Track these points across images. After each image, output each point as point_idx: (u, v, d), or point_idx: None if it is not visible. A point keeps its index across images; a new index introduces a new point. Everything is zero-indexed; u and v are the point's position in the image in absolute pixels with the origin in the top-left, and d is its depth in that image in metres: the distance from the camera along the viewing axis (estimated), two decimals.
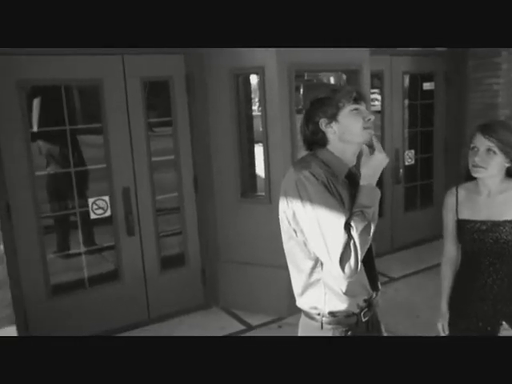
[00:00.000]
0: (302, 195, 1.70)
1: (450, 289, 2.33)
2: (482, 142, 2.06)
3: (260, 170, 4.31)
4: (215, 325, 4.17)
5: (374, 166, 1.77)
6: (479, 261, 2.17)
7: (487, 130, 2.06)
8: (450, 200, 2.27)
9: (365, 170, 1.77)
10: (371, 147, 1.79)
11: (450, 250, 2.34)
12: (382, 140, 5.62)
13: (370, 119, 1.79)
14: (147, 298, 4.24)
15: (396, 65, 5.56)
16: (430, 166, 6.13)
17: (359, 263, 1.64)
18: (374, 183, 1.78)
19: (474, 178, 2.17)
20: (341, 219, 1.66)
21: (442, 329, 2.37)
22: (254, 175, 4.63)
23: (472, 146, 2.10)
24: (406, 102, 5.88)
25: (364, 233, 1.65)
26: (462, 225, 2.21)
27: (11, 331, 3.29)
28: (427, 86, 5.98)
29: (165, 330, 4.09)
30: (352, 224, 1.65)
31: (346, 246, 1.63)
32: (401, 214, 5.94)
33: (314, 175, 1.71)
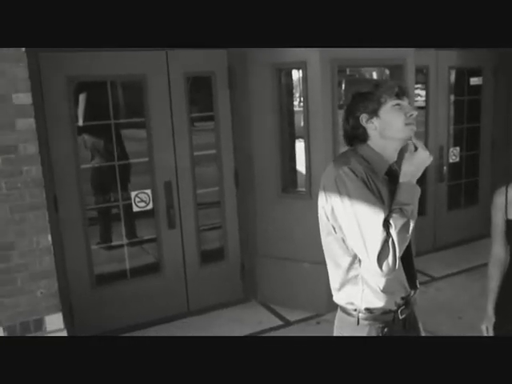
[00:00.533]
0: (341, 191, 1.69)
1: (497, 291, 2.27)
2: None
3: (301, 165, 4.29)
4: (253, 319, 4.20)
5: (417, 163, 1.74)
6: None
7: None
8: (499, 200, 2.22)
9: (406, 167, 1.74)
10: (415, 146, 1.76)
11: (499, 251, 2.28)
12: (425, 136, 5.50)
13: (412, 115, 1.76)
14: (187, 291, 4.31)
15: (442, 59, 5.42)
16: (475, 164, 5.96)
17: (397, 261, 1.63)
18: (415, 181, 1.75)
19: None
20: (379, 216, 1.65)
21: (486, 331, 2.32)
22: (294, 170, 4.61)
23: None
24: (452, 97, 5.72)
25: (402, 231, 1.64)
26: (510, 225, 2.15)
27: (57, 318, 3.40)
28: (475, 81, 5.80)
29: (203, 323, 4.14)
30: (390, 221, 1.64)
31: (385, 244, 1.62)
32: (444, 213, 5.80)
33: (353, 171, 1.70)
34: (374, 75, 6.13)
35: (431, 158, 1.77)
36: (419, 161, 1.74)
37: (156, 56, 3.91)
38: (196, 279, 4.32)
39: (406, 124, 1.75)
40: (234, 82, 4.22)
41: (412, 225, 1.67)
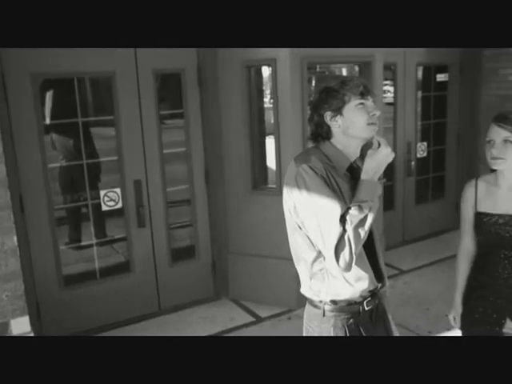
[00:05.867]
0: (301, 188, 1.74)
1: (465, 281, 2.33)
2: (497, 134, 2.05)
3: (271, 162, 4.30)
4: (225, 316, 4.20)
5: (379, 160, 1.78)
6: (495, 254, 2.17)
7: (502, 120, 2.05)
8: (468, 193, 2.26)
9: (368, 164, 1.78)
10: (378, 142, 1.79)
11: (467, 243, 2.32)
12: (394, 132, 5.59)
13: (375, 114, 1.79)
14: (158, 290, 4.28)
15: (409, 56, 5.50)
16: (442, 159, 6.09)
17: (354, 256, 1.68)
18: (376, 178, 1.79)
19: (494, 170, 2.15)
20: (337, 212, 1.69)
21: (453, 321, 2.38)
22: (265, 167, 4.63)
23: (488, 139, 2.09)
24: (419, 93, 5.82)
25: (359, 226, 1.68)
26: (480, 218, 2.20)
27: (24, 322, 3.34)
28: (441, 77, 5.91)
29: (175, 322, 4.13)
30: (347, 217, 1.68)
31: (341, 239, 1.67)
32: (412, 207, 5.91)
33: (312, 169, 1.73)
34: (344, 72, 6.17)
35: (393, 155, 1.81)
36: (381, 158, 1.78)
37: (124, 52, 3.86)
38: (167, 278, 4.30)
39: (369, 124, 1.78)
40: (203, 79, 4.20)
41: (370, 221, 1.71)
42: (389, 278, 4.93)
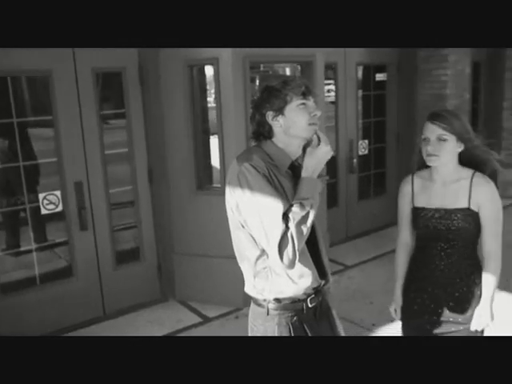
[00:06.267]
0: (243, 187, 1.74)
1: (404, 273, 2.40)
2: (432, 131, 2.13)
3: (216, 161, 4.29)
4: (172, 318, 4.16)
5: (318, 157, 1.81)
6: (432, 246, 2.25)
7: (436, 118, 2.13)
8: (405, 188, 2.34)
9: (308, 162, 1.81)
10: (317, 140, 1.82)
11: (405, 237, 2.41)
12: (336, 130, 5.71)
13: (315, 115, 1.82)
14: (102, 294, 4.18)
15: (349, 56, 5.64)
16: (382, 156, 6.27)
17: (297, 253, 1.70)
18: (316, 175, 1.82)
19: (429, 167, 2.23)
20: (279, 210, 1.70)
21: (394, 312, 2.45)
22: (209, 167, 4.61)
23: (423, 136, 2.17)
24: (360, 92, 5.98)
25: (301, 223, 1.70)
26: (416, 212, 2.28)
27: None
28: (380, 76, 6.09)
29: (121, 326, 4.04)
30: (289, 215, 1.70)
31: (284, 236, 1.68)
32: (355, 203, 6.06)
33: (254, 167, 1.75)
34: (288, 71, 6.24)
35: (331, 152, 1.84)
36: (320, 155, 1.81)
37: (62, 51, 3.73)
38: (111, 281, 4.21)
39: (310, 124, 1.81)
40: (145, 79, 4.14)
41: (312, 217, 1.74)
42: (333, 273, 5.02)
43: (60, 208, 3.89)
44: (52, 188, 3.87)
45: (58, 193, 3.88)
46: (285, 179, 1.83)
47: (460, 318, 2.22)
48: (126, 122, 4.16)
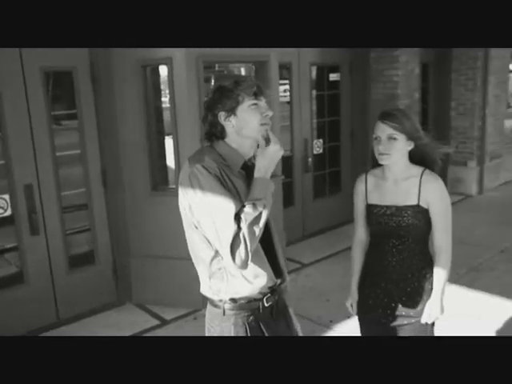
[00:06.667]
0: (195, 188, 1.74)
1: (360, 269, 2.46)
2: (383, 130, 2.18)
3: (171, 162, 4.25)
4: (129, 322, 4.09)
5: (268, 157, 1.81)
6: (384, 243, 2.31)
7: (386, 117, 2.19)
8: (359, 186, 2.39)
9: (259, 162, 1.81)
10: (267, 140, 1.82)
11: (360, 233, 2.46)
12: (291, 130, 5.76)
13: (267, 115, 1.83)
14: (55, 300, 4.06)
15: (303, 56, 5.70)
16: (337, 155, 6.37)
17: (249, 253, 1.70)
18: (268, 175, 1.82)
19: (382, 165, 2.28)
20: (231, 210, 1.70)
21: (350, 308, 2.50)
22: (165, 167, 4.56)
23: (374, 136, 2.22)
24: (314, 92, 6.05)
25: (253, 224, 1.71)
26: (370, 209, 2.33)
27: None
28: (333, 76, 6.18)
29: (76, 332, 3.94)
30: (242, 216, 1.71)
31: (236, 237, 1.68)
32: (311, 202, 6.13)
33: (206, 168, 1.74)
34: (243, 71, 6.24)
35: (282, 152, 1.84)
36: (271, 154, 1.81)
37: (7, 49, 3.59)
38: (65, 286, 4.09)
39: (262, 124, 1.82)
40: (97, 78, 4.05)
41: (264, 218, 1.74)
42: (290, 272, 5.09)
43: (9, 212, 3.76)
44: (0, 192, 3.74)
45: (7, 196, 3.75)
46: (238, 179, 1.83)
47: (412, 311, 2.28)
48: (78, 123, 4.06)
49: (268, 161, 1.81)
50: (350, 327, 2.62)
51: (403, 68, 6.07)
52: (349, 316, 2.52)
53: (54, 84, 3.95)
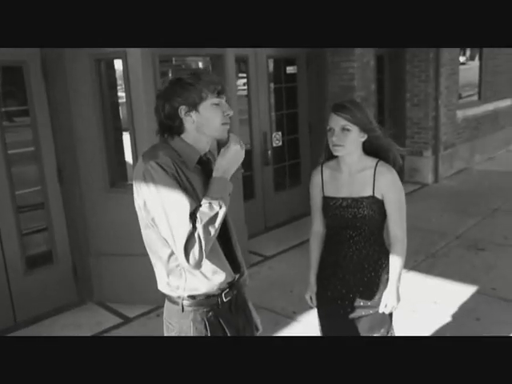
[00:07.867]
0: (149, 186, 1.70)
1: (318, 261, 2.48)
2: (336, 122, 2.21)
3: (129, 157, 4.19)
4: (91, 321, 4.03)
5: (228, 157, 1.79)
6: (341, 234, 2.34)
7: (339, 109, 2.21)
8: (316, 178, 2.41)
9: (219, 162, 1.79)
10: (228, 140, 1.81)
11: (317, 225, 2.48)
12: (249, 123, 5.76)
13: (228, 114, 1.81)
14: (12, 302, 3.96)
15: (260, 50, 5.70)
16: (296, 147, 6.42)
17: (204, 253, 1.67)
18: (228, 175, 1.80)
19: (337, 157, 2.31)
20: (186, 209, 1.67)
21: (310, 300, 2.52)
22: (123, 163, 4.49)
23: (328, 127, 2.24)
24: (272, 85, 6.07)
25: (209, 224, 1.68)
26: (326, 201, 2.35)
27: None
28: (290, 69, 6.22)
29: (34, 334, 3.84)
30: (197, 215, 1.68)
31: (190, 236, 1.65)
32: (272, 195, 6.17)
33: (160, 165, 1.69)
34: (201, 65, 6.20)
35: (243, 152, 1.83)
36: (231, 155, 1.79)
37: None
38: (22, 287, 3.99)
39: (223, 124, 1.80)
40: (49, 73, 3.94)
41: (221, 218, 1.72)
42: (253, 264, 5.08)
43: None
44: None
45: None
46: (194, 175, 1.80)
47: (369, 302, 2.32)
48: (31, 119, 3.95)
49: (227, 161, 1.79)
50: (313, 317, 2.66)
51: (359, 60, 6.16)
52: (311, 307, 2.55)
53: (5, 79, 3.82)
